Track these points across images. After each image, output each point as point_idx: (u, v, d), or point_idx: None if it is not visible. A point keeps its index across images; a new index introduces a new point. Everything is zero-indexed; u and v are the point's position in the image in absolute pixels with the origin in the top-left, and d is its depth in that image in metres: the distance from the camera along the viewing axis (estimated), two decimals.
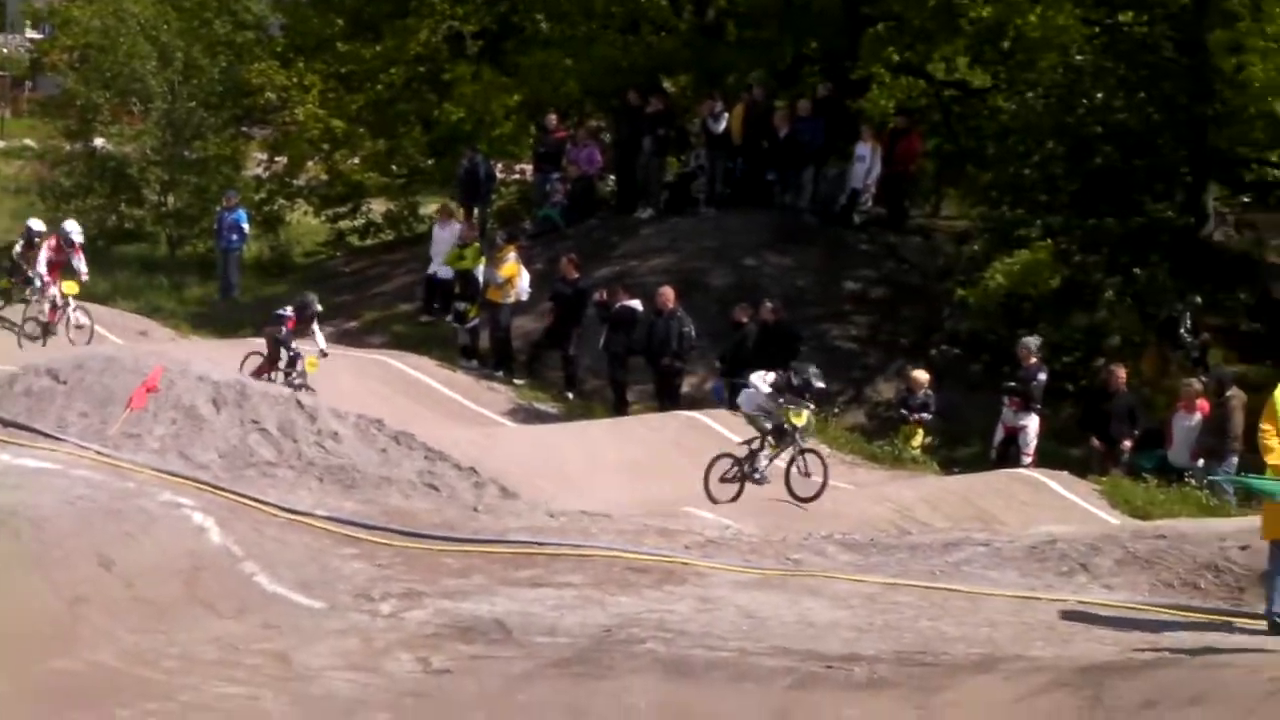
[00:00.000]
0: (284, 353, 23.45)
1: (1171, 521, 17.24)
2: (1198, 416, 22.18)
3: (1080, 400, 25.35)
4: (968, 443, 24.88)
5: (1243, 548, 14.53)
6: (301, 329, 23.79)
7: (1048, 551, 15.51)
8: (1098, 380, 24.72)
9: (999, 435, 23.72)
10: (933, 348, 28.03)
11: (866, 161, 31.09)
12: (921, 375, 23.81)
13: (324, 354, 23.67)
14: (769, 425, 20.70)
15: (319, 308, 24.45)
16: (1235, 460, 20.28)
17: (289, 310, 23.98)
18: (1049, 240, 27.73)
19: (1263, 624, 13.40)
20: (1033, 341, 23.95)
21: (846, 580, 14.84)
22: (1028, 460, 23.19)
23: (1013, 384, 23.58)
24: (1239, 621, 13.71)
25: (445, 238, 29.90)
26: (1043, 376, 23.64)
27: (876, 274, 30.52)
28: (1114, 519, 19.97)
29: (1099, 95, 29.02)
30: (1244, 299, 29.91)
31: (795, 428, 20.32)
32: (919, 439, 23.87)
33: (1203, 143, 29.70)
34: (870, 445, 24.04)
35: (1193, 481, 21.11)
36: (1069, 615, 13.87)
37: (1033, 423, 23.49)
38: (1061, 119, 29.14)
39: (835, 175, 32.18)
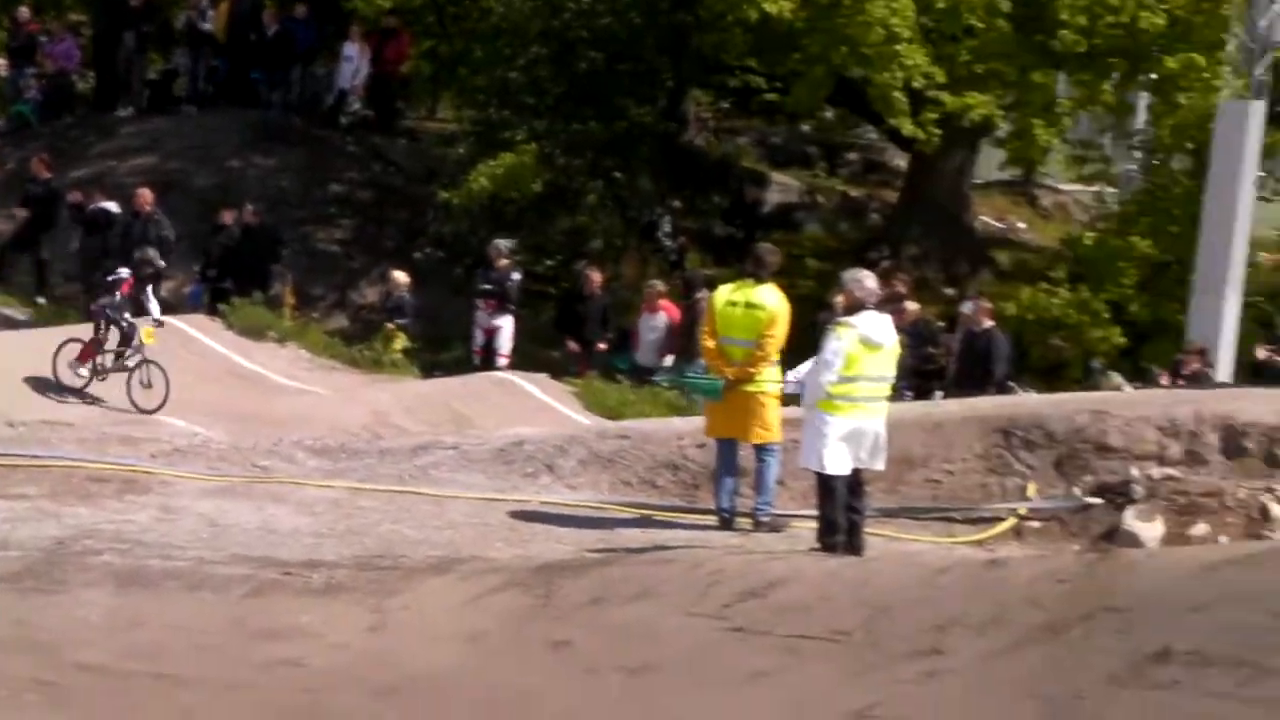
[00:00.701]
0: (114, 329, 20.56)
1: (635, 422, 17.82)
2: (662, 317, 22.82)
3: (561, 302, 25.85)
4: (450, 346, 25.10)
5: (699, 446, 15.15)
6: (137, 292, 20.92)
7: (515, 453, 15.91)
8: (576, 283, 25.22)
9: (479, 338, 24.00)
10: (417, 251, 28.19)
11: (354, 62, 30.81)
12: (400, 276, 23.85)
13: (159, 323, 20.89)
14: None
15: (161, 264, 21.94)
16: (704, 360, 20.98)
17: (124, 272, 21.07)
18: (534, 144, 28.13)
19: (713, 519, 14.07)
20: (504, 244, 24.24)
21: (313, 486, 14.98)
22: (504, 362, 23.52)
23: (487, 286, 23.83)
24: (691, 517, 14.38)
25: None
26: (516, 276, 23.96)
27: (362, 176, 30.43)
28: (586, 420, 20.46)
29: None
30: (719, 203, 30.99)
31: None
32: (400, 342, 23.97)
33: (684, 49, 30.50)
34: (350, 349, 24.06)
35: (661, 382, 21.81)
36: (531, 516, 14.30)
37: (508, 324, 23.80)
38: (548, 22, 29.45)
39: (323, 75, 31.93)
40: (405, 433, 18.69)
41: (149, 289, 21.03)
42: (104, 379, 20.22)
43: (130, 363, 20.26)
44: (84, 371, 20.25)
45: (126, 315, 20.58)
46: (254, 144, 30.17)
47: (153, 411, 19.56)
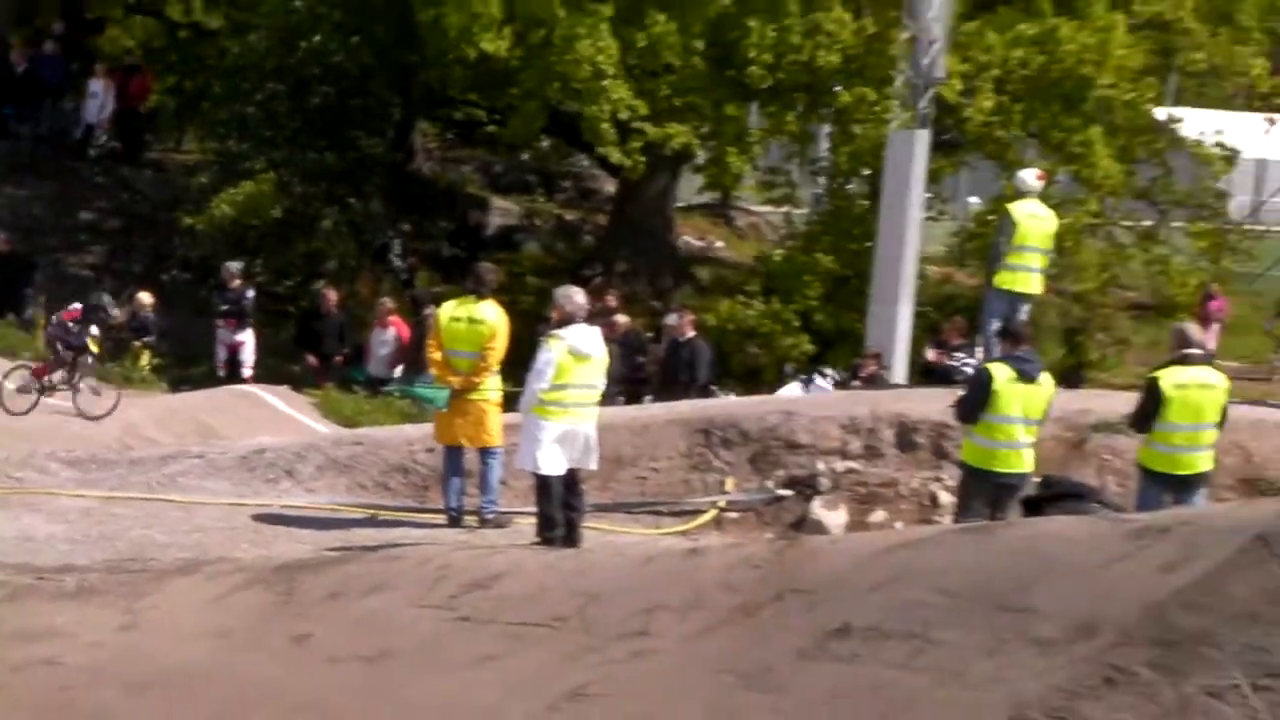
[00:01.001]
0: (68, 351, 20.14)
1: (369, 429, 17.73)
2: (392, 332, 22.79)
3: (300, 320, 25.62)
4: (198, 362, 24.72)
5: (428, 450, 15.11)
6: (81, 329, 20.45)
7: (257, 461, 15.72)
8: (314, 302, 25.05)
9: (222, 354, 23.72)
10: (165, 274, 27.79)
11: (100, 98, 30.32)
12: (144, 297, 23.54)
13: (98, 340, 20.60)
14: None
15: (116, 313, 21.36)
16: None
17: (76, 305, 20.82)
18: (272, 173, 27.89)
19: (443, 518, 14.04)
20: (234, 265, 24.01)
21: (66, 495, 14.64)
22: (248, 375, 23.27)
23: (225, 306, 23.56)
24: (422, 516, 14.34)
25: None
26: (251, 294, 23.72)
27: (111, 205, 29.97)
28: (325, 429, 20.26)
29: (317, 38, 29.23)
30: (445, 226, 31.00)
31: None
32: (146, 359, 23.55)
33: (411, 84, 30.45)
34: (102, 367, 23.51)
35: (393, 392, 21.70)
36: (273, 518, 14.16)
37: (249, 340, 23.57)
38: (283, 60, 29.23)
39: (71, 110, 31.25)
40: (155, 444, 18.34)
41: (94, 329, 20.70)
42: (50, 395, 19.67)
43: (76, 378, 19.98)
44: (33, 386, 19.67)
45: (74, 329, 20.35)
46: (5, 175, 29.41)
47: (102, 417, 19.31)
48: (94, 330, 20.63)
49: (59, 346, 20.46)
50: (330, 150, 28.58)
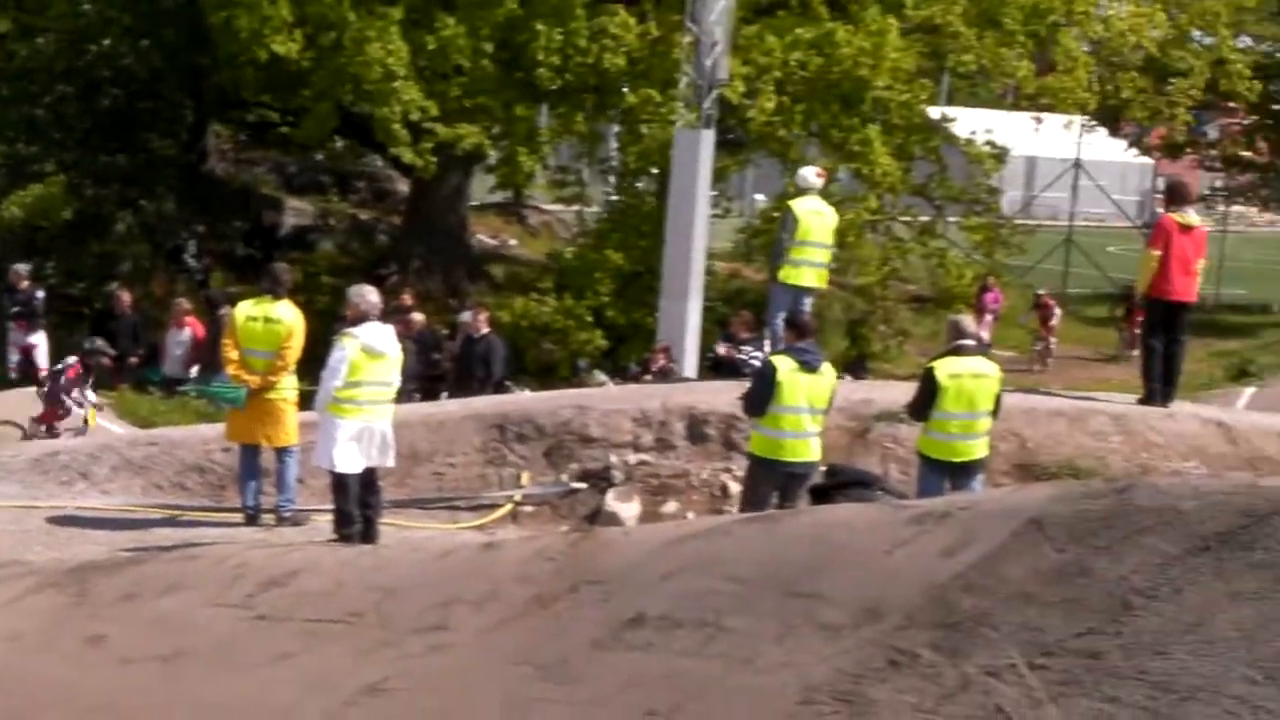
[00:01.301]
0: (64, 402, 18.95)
1: (165, 430, 17.34)
2: (187, 332, 22.34)
3: (93, 321, 25.03)
4: None
5: (225, 450, 14.79)
6: (83, 379, 19.34)
7: (50, 463, 15.31)
8: (108, 303, 24.51)
9: (14, 357, 23.09)
10: None
11: None
12: None
13: (98, 406, 19.40)
14: None
15: (112, 352, 20.48)
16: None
17: (72, 360, 19.58)
18: (62, 175, 27.33)
19: (240, 516, 13.79)
20: (22, 267, 23.38)
21: None
22: (44, 375, 22.64)
23: (16, 309, 22.96)
24: (219, 515, 14.06)
25: None
26: (40, 295, 23.10)
27: None
28: (121, 430, 19.78)
29: (106, 41, 28.73)
30: (240, 227, 30.56)
31: None
32: None
33: (203, 86, 29.99)
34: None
35: (189, 392, 21.28)
36: (67, 521, 13.77)
37: (42, 341, 22.98)
38: (72, 62, 28.70)
39: None
40: None
41: (91, 379, 19.74)
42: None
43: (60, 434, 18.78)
44: (29, 428, 18.81)
45: (75, 394, 19.21)
46: None
47: None
48: (91, 397, 19.55)
49: (66, 399, 19.33)
50: (121, 152, 28.19)
